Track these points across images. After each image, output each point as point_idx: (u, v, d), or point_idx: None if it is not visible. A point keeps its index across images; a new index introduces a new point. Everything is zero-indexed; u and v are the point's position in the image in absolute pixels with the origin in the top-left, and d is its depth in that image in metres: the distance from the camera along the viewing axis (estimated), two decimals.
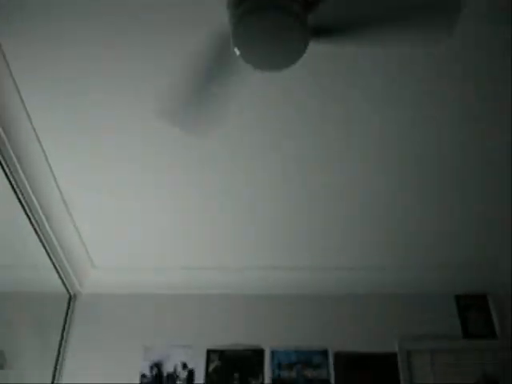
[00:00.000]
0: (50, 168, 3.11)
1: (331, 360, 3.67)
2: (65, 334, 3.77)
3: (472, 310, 3.80)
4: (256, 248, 3.79)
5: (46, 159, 3.04)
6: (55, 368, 3.62)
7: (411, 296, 3.88)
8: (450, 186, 3.21)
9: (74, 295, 3.97)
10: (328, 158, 3.03)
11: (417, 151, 2.98)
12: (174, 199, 3.34)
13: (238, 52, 1.90)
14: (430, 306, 3.83)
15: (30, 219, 3.20)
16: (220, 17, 2.04)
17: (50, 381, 3.56)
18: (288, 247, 3.78)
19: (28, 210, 3.16)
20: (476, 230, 3.58)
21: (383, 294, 3.90)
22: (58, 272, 3.65)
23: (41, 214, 3.26)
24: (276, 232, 3.64)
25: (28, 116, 2.78)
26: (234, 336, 3.76)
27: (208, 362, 3.69)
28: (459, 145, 2.92)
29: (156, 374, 3.66)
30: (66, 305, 3.85)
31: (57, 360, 3.65)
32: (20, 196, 3.05)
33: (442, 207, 3.38)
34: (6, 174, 2.88)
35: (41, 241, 3.37)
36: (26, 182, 3.04)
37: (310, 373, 3.65)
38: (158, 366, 3.69)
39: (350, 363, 3.65)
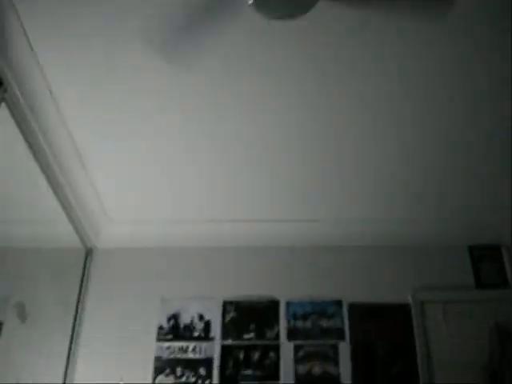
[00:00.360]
0: (64, 121, 3.06)
1: (345, 310, 3.73)
2: (83, 287, 3.82)
3: (485, 260, 3.84)
4: (271, 200, 3.79)
5: (59, 111, 2.99)
6: (74, 321, 3.69)
7: (425, 247, 3.93)
8: (462, 134, 3.15)
9: (91, 249, 4.01)
10: (333, 108, 2.97)
11: (430, 104, 2.93)
12: (187, 151, 3.32)
13: (250, 1, 1.83)
14: (444, 257, 3.88)
15: (45, 174, 3.19)
16: None
17: (69, 333, 3.64)
18: (301, 199, 3.79)
19: (43, 166, 3.15)
20: (490, 180, 3.55)
21: (397, 246, 3.94)
22: (74, 227, 3.68)
23: (55, 168, 3.26)
24: (289, 184, 3.63)
25: (40, 70, 2.73)
26: (249, 288, 3.83)
27: (224, 313, 3.76)
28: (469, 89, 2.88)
29: (173, 326, 3.73)
30: (83, 259, 3.90)
31: (76, 313, 3.72)
32: (35, 151, 3.03)
33: (454, 157, 3.34)
34: (20, 129, 2.85)
35: (56, 196, 3.37)
36: (40, 137, 3.03)
37: (324, 323, 3.71)
38: (174, 317, 3.76)
39: (363, 313, 3.71)
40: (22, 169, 3.08)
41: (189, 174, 3.54)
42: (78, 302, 3.75)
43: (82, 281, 3.82)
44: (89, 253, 3.98)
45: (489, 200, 3.74)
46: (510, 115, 2.99)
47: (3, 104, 2.64)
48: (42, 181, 3.19)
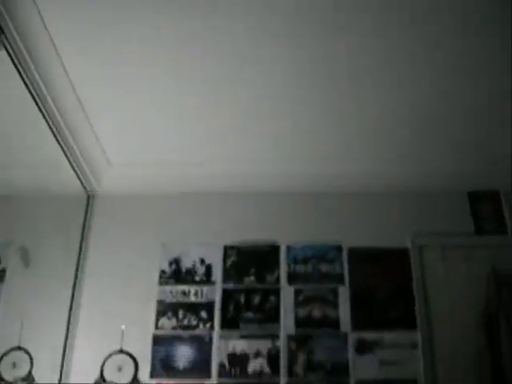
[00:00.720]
0: (62, 63, 2.98)
1: (345, 255, 3.79)
2: (85, 233, 3.84)
3: (484, 206, 3.87)
4: (271, 143, 3.75)
5: (58, 54, 2.90)
6: (77, 266, 3.72)
7: (424, 193, 3.94)
8: (459, 73, 3.09)
9: (92, 195, 4.00)
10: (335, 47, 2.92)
11: (432, 35, 2.85)
12: (189, 94, 3.25)
13: None
14: (443, 202, 3.91)
15: (45, 119, 3.14)
16: None
17: (72, 279, 3.67)
18: (303, 142, 3.75)
19: (43, 110, 3.09)
20: (489, 124, 3.53)
21: (397, 191, 3.95)
22: (75, 172, 3.66)
23: (56, 113, 3.19)
24: (290, 127, 3.58)
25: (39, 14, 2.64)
26: (250, 232, 3.85)
27: (225, 257, 3.81)
28: None
29: (175, 270, 3.77)
30: (84, 205, 3.89)
31: (78, 259, 3.74)
32: (35, 96, 2.97)
33: (453, 98, 3.29)
34: (20, 74, 2.79)
35: (57, 141, 3.33)
36: (39, 80, 2.95)
37: (324, 267, 3.77)
38: (176, 262, 3.80)
39: (363, 258, 3.77)
40: (21, 114, 3.02)
41: (190, 116, 3.48)
42: (81, 247, 3.77)
43: (83, 226, 3.83)
44: (90, 198, 3.97)
45: (488, 145, 3.73)
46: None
47: (3, 50, 2.58)
48: (42, 126, 3.14)
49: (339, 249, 3.81)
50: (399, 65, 3.04)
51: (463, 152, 3.82)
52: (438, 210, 3.89)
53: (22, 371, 3.20)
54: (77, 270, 3.72)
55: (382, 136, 3.69)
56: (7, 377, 3.16)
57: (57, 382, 3.41)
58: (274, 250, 3.82)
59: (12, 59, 2.69)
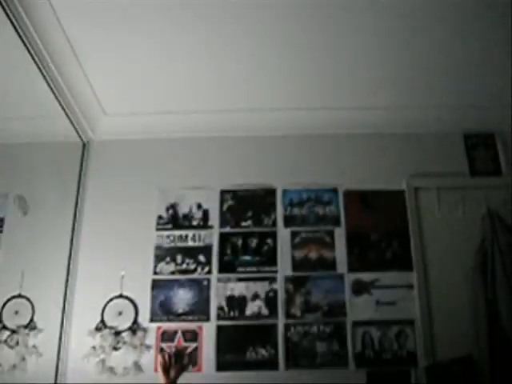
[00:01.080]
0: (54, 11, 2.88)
1: (341, 197, 3.81)
2: (81, 181, 3.80)
3: (479, 148, 3.89)
4: (268, 88, 3.69)
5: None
6: (75, 214, 3.70)
7: (420, 135, 3.94)
8: (456, 20, 3.07)
9: (88, 142, 3.94)
10: None
11: None
12: (185, 40, 3.17)
13: None
14: (439, 144, 3.91)
15: (38, 68, 3.05)
16: None
17: (70, 226, 3.66)
18: (297, 86, 3.69)
19: (36, 59, 3.00)
20: (484, 67, 3.50)
21: (392, 133, 3.94)
22: (70, 120, 3.58)
23: (49, 61, 3.11)
24: (286, 71, 3.52)
25: None
26: (246, 177, 3.85)
27: (222, 202, 3.81)
28: None
29: (172, 215, 3.77)
30: (80, 153, 3.83)
31: (76, 206, 3.72)
32: (27, 44, 2.88)
33: (448, 42, 3.25)
34: (12, 24, 2.72)
35: (51, 89, 3.25)
36: (31, 28, 2.85)
37: (320, 210, 3.79)
38: (173, 207, 3.79)
39: (359, 200, 3.79)
40: (11, 60, 2.92)
41: (185, 62, 3.40)
42: (77, 194, 3.74)
43: (80, 174, 3.79)
44: (86, 146, 3.91)
45: (484, 87, 3.70)
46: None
47: None
48: (34, 73, 3.04)
49: (335, 191, 3.82)
50: (398, 11, 2.98)
51: (459, 95, 3.79)
52: (433, 153, 3.90)
53: (24, 319, 3.24)
54: (74, 217, 3.71)
55: (378, 80, 3.64)
56: (10, 324, 3.20)
57: (58, 328, 3.45)
58: (270, 193, 3.83)
59: (5, 12, 2.62)
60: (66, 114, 3.54)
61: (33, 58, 2.98)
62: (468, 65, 3.49)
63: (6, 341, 3.17)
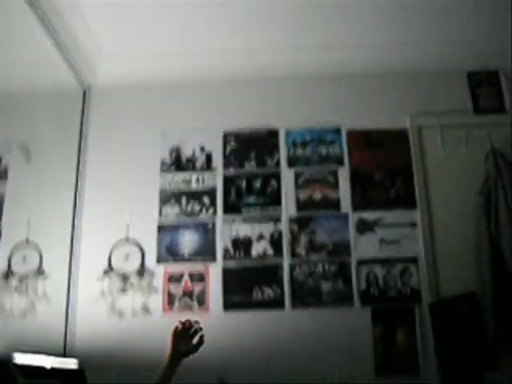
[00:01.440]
0: None
1: (344, 137, 3.80)
2: (83, 127, 3.76)
3: (483, 86, 3.84)
4: (268, 29, 3.63)
5: None
6: (78, 159, 3.68)
7: (423, 73, 3.88)
8: None
9: (88, 88, 3.88)
10: None
11: None
12: None
13: None
14: (442, 82, 3.86)
15: (35, 14, 2.96)
16: None
17: (74, 172, 3.66)
18: (297, 27, 3.63)
19: (35, 3, 2.91)
20: (489, 4, 3.44)
21: (395, 72, 3.89)
22: (69, 65, 3.51)
23: (47, 5, 3.01)
24: (285, 10, 3.45)
25: None
26: (248, 119, 3.81)
27: (225, 144, 3.79)
28: None
29: (175, 158, 3.76)
30: (81, 99, 3.77)
31: (79, 152, 3.70)
32: None
33: None
34: None
35: (48, 34, 3.16)
36: None
37: (323, 150, 3.78)
38: (176, 150, 3.77)
39: (362, 140, 3.78)
40: (11, 8, 2.80)
41: (185, 3, 3.31)
42: (80, 140, 3.71)
43: (81, 120, 3.75)
44: (86, 92, 3.85)
45: (488, 24, 3.64)
46: None
47: None
48: (34, 21, 2.96)
49: (338, 131, 3.80)
50: None
51: (463, 32, 3.72)
52: (436, 90, 3.85)
53: (33, 265, 3.25)
54: (78, 162, 3.69)
55: (381, 18, 3.57)
56: (19, 270, 3.21)
57: (66, 273, 3.48)
58: (273, 134, 3.80)
59: None
60: (65, 60, 3.46)
61: (31, 4, 2.90)
62: (472, 2, 3.42)
63: (15, 287, 3.19)
